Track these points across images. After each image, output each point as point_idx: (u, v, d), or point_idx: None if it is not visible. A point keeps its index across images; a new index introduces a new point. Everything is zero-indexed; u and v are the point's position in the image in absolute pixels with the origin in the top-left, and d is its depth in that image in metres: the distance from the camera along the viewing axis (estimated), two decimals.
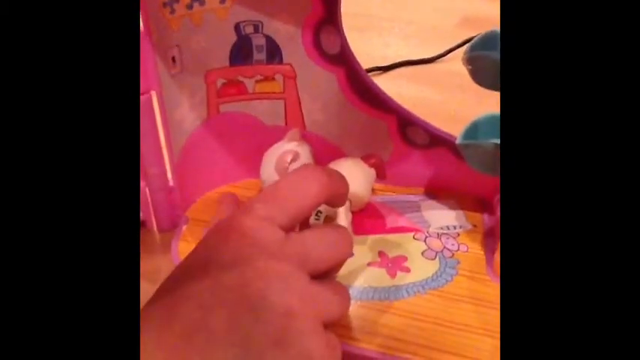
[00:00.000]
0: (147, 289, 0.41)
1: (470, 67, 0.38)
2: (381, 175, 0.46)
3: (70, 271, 0.20)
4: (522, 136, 0.20)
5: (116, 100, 0.21)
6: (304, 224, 0.44)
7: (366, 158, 0.46)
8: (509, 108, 0.21)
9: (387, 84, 0.44)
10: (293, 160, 0.41)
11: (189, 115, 0.45)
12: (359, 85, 0.45)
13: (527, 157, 0.20)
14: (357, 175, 0.44)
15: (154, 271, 0.42)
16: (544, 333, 0.19)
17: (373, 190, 0.46)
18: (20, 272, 0.19)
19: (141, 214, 0.47)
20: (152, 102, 0.41)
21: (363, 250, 0.42)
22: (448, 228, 0.44)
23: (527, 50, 0.20)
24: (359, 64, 0.44)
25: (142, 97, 0.40)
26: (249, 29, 0.44)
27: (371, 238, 0.44)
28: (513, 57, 0.21)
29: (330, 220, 0.43)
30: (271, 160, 0.42)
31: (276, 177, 0.42)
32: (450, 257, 0.41)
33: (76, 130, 0.21)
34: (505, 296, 0.20)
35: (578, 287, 0.19)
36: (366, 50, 0.44)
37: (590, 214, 0.19)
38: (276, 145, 0.43)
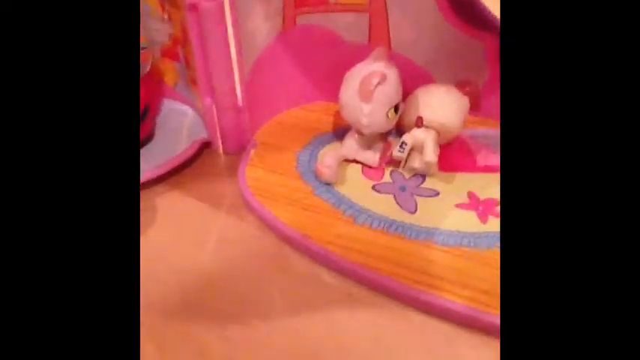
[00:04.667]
0: (210, 215, 0.39)
1: None
2: (475, 106, 0.41)
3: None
4: (524, 138, 0.19)
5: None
6: (386, 158, 0.40)
7: (459, 85, 0.40)
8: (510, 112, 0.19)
9: None
10: (380, 83, 0.36)
11: (263, 27, 0.40)
12: None
13: (529, 157, 0.18)
14: (448, 104, 0.39)
15: (218, 195, 0.40)
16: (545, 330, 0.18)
17: (465, 123, 0.41)
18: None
19: (207, 134, 0.43)
20: (224, 9, 0.37)
21: (450, 189, 0.38)
22: None
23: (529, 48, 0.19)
24: None
25: (212, 4, 0.36)
26: None
27: (459, 175, 0.39)
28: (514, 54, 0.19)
29: (416, 152, 0.39)
30: (354, 82, 0.37)
31: (358, 101, 0.37)
32: None
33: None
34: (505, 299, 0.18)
35: (579, 288, 0.17)
36: None
37: (592, 214, 0.18)
38: (360, 65, 0.38)
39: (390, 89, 0.37)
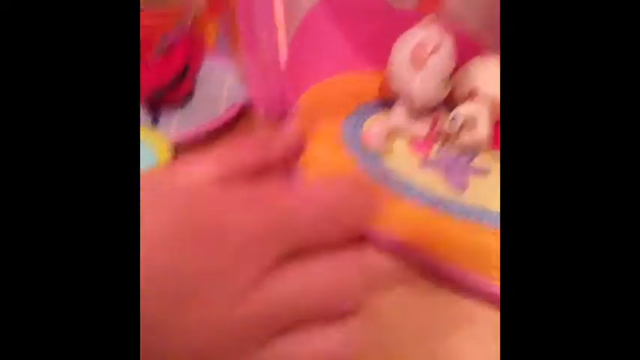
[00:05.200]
0: None
1: None
2: None
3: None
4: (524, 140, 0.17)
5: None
6: (435, 131, 0.38)
7: None
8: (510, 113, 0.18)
9: None
10: (434, 51, 0.34)
11: None
12: None
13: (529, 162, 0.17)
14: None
15: None
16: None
17: None
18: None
19: (247, 97, 0.42)
20: None
21: None
22: None
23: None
24: None
25: None
26: None
27: None
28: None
29: (468, 128, 0.37)
30: (406, 49, 0.35)
31: (409, 69, 0.35)
32: None
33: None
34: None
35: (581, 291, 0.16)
36: None
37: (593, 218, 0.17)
38: (412, 30, 0.36)
39: (444, 58, 0.35)
